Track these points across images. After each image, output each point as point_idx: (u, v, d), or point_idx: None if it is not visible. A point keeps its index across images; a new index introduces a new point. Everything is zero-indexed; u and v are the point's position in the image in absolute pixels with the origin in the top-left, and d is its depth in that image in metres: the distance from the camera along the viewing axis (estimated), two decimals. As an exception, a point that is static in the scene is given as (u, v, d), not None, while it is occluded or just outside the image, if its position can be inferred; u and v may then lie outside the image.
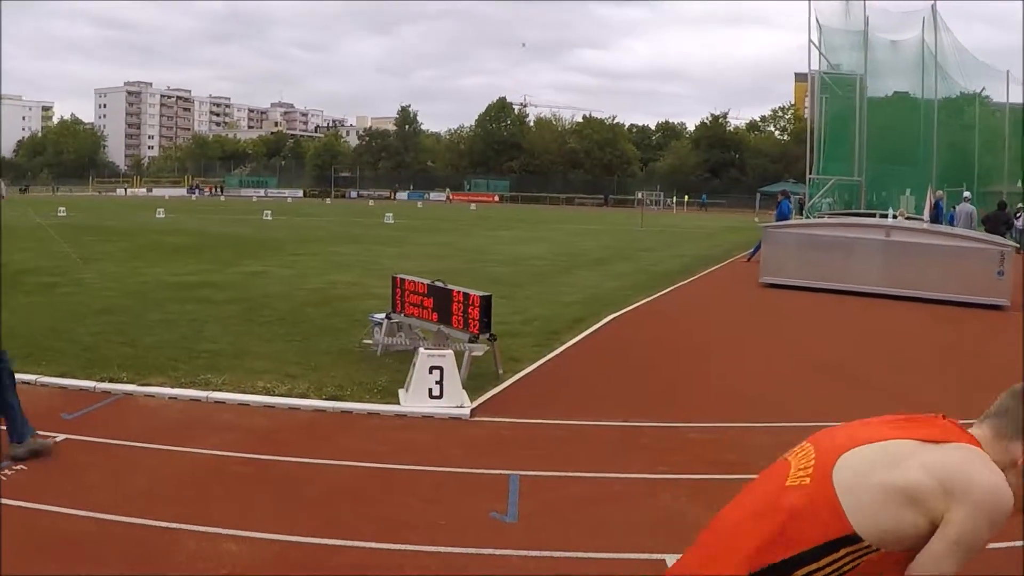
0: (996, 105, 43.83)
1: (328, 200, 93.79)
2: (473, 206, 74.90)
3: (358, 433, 7.49)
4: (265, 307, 13.41)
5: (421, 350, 8.26)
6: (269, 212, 47.28)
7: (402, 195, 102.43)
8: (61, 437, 6.82)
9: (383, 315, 10.47)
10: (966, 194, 23.13)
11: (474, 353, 8.99)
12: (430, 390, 8.13)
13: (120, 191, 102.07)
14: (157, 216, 42.76)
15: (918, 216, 27.98)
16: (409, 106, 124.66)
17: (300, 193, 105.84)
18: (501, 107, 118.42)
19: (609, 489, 6.32)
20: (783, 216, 24.48)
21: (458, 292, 9.40)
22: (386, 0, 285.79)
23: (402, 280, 10.30)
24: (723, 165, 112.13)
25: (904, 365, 11.47)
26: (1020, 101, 42.00)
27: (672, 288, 18.21)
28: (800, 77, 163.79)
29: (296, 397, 8.27)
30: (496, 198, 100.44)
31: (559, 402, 8.68)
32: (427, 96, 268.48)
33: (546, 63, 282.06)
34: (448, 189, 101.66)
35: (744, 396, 9.28)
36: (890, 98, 42.86)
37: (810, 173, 40.64)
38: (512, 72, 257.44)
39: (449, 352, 8.29)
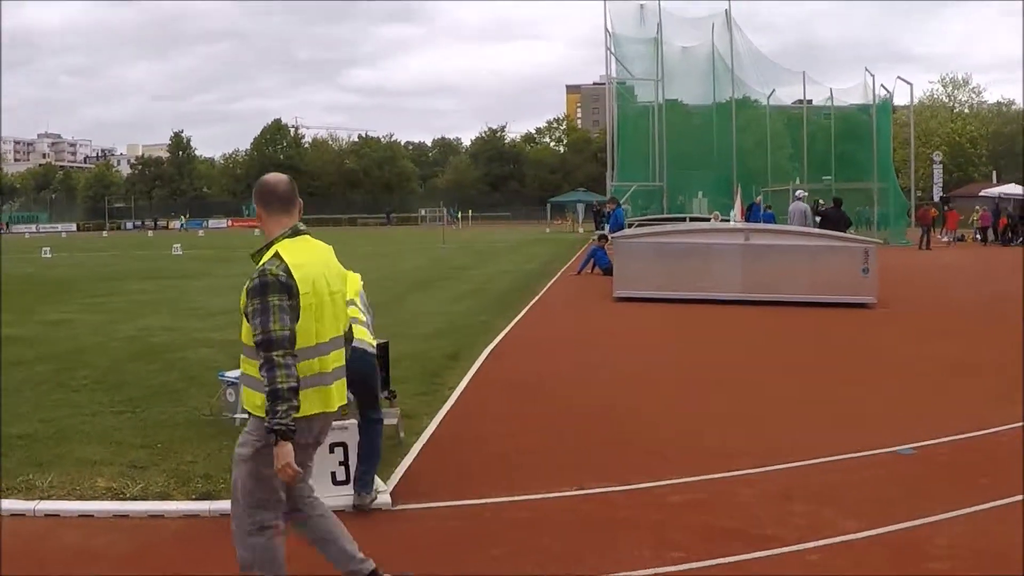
0: (788, 107, 45.08)
1: (105, 233, 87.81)
2: (256, 232, 70.83)
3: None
4: (80, 365, 10.84)
5: (317, 421, 6.31)
6: (48, 249, 42.36)
7: (177, 224, 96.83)
8: None
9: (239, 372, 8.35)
10: (800, 192, 22.75)
11: (388, 421, 7.04)
12: (333, 474, 6.23)
13: None
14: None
15: (727, 218, 27.88)
16: (182, 131, 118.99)
17: (73, 227, 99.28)
18: (276, 129, 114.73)
19: (639, 598, 4.72)
20: (619, 225, 23.35)
21: (344, 339, 7.48)
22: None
23: (262, 328, 8.25)
24: (503, 178, 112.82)
25: (817, 375, 10.61)
26: (816, 101, 43.33)
27: (527, 309, 16.64)
28: (572, 89, 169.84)
29: (156, 499, 6.13)
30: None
31: (493, 471, 6.92)
32: (200, 121, 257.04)
33: (318, 84, 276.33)
34: (181, 214, 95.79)
35: (687, 435, 7.96)
36: (683, 104, 43.44)
37: (611, 181, 40.57)
38: (285, 94, 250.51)
39: (353, 422, 6.36)
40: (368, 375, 6.22)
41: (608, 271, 22.36)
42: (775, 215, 33.15)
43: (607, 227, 27.38)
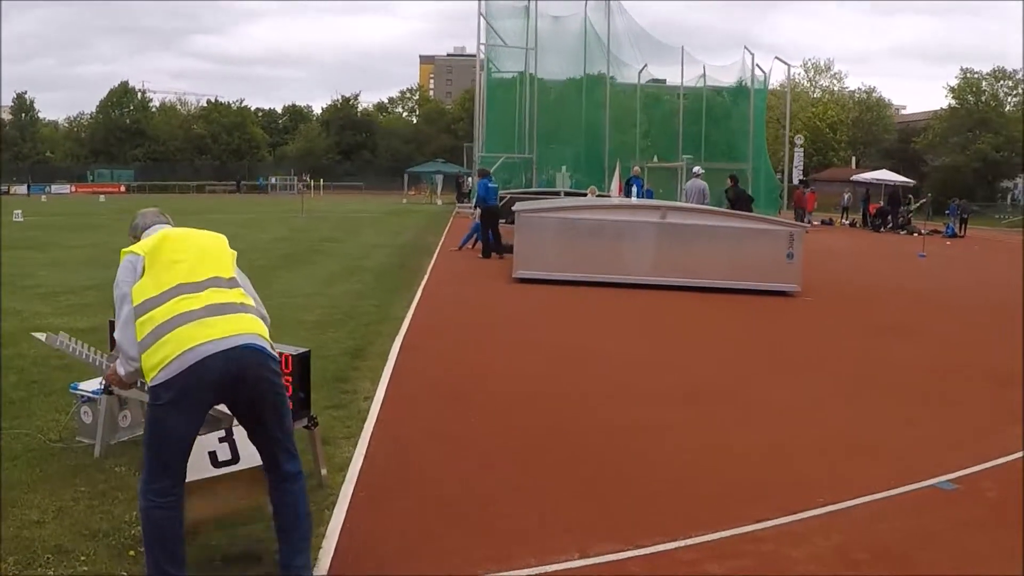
0: (661, 83, 44.40)
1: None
2: (102, 198, 66.57)
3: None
4: None
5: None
6: None
7: (21, 189, 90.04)
8: None
9: (98, 386, 6.32)
10: (697, 169, 21.52)
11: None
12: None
13: None
14: None
15: (605, 194, 26.83)
16: (25, 93, 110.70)
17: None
18: (124, 92, 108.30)
19: None
20: (482, 198, 21.49)
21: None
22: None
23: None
24: (355, 147, 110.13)
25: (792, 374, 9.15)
26: (690, 80, 42.66)
27: (420, 292, 14.81)
28: (425, 59, 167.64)
29: (-9, 592, 4.21)
30: (122, 188, 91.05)
31: (458, 529, 5.15)
32: (44, 84, 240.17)
33: (163, 50, 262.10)
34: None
35: (681, 464, 6.41)
36: (549, 78, 42.22)
37: (479, 151, 39.21)
38: (130, 59, 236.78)
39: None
40: (266, 395, 4.01)
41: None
42: (653, 192, 32.33)
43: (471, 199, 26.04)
